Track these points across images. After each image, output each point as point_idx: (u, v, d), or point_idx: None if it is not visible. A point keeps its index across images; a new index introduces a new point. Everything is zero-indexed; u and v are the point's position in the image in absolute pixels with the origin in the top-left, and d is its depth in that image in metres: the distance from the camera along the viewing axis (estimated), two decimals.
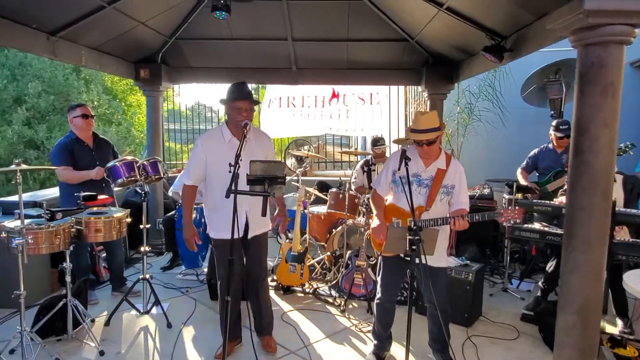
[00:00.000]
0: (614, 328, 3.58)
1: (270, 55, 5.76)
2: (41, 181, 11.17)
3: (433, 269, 2.90)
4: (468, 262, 4.00)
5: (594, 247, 2.60)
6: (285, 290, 4.48)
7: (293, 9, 4.93)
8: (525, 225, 3.91)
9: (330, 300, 4.30)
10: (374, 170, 5.15)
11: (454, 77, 5.48)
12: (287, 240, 4.57)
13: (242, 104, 3.00)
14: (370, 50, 5.58)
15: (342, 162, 8.71)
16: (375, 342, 3.28)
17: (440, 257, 2.97)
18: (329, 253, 4.96)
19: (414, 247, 2.53)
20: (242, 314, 3.39)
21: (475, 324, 3.86)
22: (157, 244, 5.81)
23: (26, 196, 4.94)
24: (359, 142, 10.12)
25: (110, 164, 3.84)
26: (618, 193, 3.94)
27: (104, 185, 4.14)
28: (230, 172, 2.72)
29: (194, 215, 4.45)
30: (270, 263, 4.76)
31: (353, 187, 5.15)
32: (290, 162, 7.38)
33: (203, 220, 3.44)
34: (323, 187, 6.22)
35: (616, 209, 3.27)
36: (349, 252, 4.48)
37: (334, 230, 5.07)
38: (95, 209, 3.69)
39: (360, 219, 4.78)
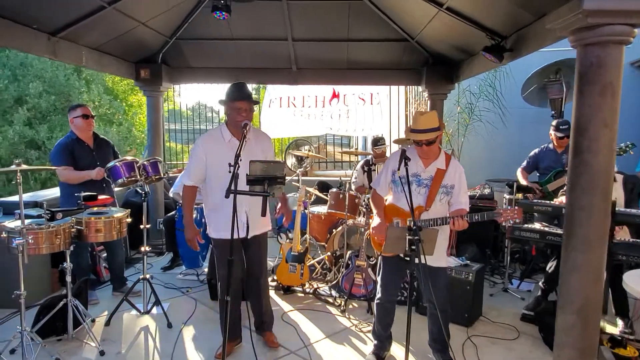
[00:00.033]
0: (614, 328, 3.57)
1: (271, 56, 5.77)
2: (42, 181, 11.17)
3: (433, 268, 2.90)
4: (468, 262, 4.00)
5: (593, 247, 2.60)
6: (286, 290, 4.48)
7: (293, 9, 4.94)
8: (526, 225, 3.90)
9: (330, 300, 4.31)
10: (374, 170, 5.15)
11: (454, 77, 5.48)
12: (288, 240, 4.58)
13: (241, 105, 3.00)
14: (370, 50, 5.58)
15: (343, 162, 8.70)
16: (375, 342, 3.28)
17: (440, 257, 2.98)
18: (329, 253, 4.96)
19: (413, 247, 2.54)
20: (242, 314, 3.40)
21: (475, 324, 3.86)
22: (157, 244, 5.81)
23: (27, 196, 4.95)
24: (359, 142, 10.13)
25: (110, 164, 3.84)
26: (618, 193, 3.94)
27: (104, 185, 4.15)
28: (230, 172, 2.73)
29: (194, 215, 4.46)
30: (271, 263, 4.76)
31: (353, 187, 5.14)
32: (291, 162, 7.39)
33: (204, 220, 3.44)
34: (323, 187, 6.21)
35: (616, 208, 3.26)
36: (349, 252, 4.48)
37: (334, 230, 5.07)
38: (95, 209, 3.70)
39: (361, 219, 4.77)
